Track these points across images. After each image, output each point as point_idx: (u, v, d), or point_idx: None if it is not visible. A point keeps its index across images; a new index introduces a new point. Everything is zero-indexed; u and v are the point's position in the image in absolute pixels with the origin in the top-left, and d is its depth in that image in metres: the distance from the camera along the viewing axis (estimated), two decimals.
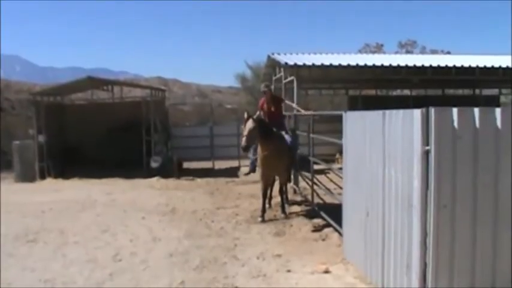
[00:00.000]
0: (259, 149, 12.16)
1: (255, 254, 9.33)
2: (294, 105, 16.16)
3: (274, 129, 12.42)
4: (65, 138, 24.44)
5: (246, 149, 11.71)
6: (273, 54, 20.56)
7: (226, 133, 23.88)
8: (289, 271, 8.27)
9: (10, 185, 21.94)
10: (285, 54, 20.68)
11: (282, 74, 19.20)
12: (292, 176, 15.03)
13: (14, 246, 10.70)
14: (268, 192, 12.90)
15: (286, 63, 17.62)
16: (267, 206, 12.69)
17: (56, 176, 22.32)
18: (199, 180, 19.64)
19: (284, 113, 17.25)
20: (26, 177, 22.65)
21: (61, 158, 23.29)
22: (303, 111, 15.33)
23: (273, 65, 21.61)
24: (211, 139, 23.93)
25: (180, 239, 10.56)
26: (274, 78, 21.82)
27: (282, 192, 12.85)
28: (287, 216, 12.24)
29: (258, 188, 14.08)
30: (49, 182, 21.76)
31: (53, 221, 12.95)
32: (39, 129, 23.17)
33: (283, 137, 12.65)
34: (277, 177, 13.18)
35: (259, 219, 11.90)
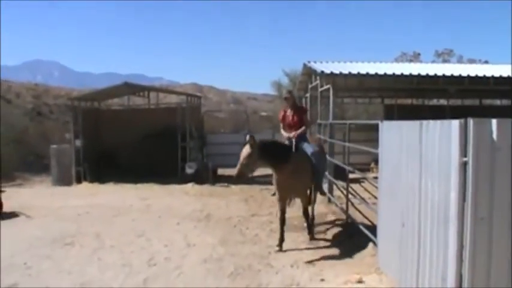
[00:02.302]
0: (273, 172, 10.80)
1: (288, 263, 9.32)
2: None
3: (292, 144, 10.78)
4: (101, 143, 24.66)
5: (239, 178, 9.91)
6: (309, 62, 20.58)
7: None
8: (322, 280, 8.24)
9: (47, 189, 22.28)
10: (321, 62, 20.70)
11: (318, 82, 19.19)
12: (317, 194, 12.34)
13: (51, 249, 10.87)
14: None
15: (322, 72, 17.61)
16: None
17: (91, 181, 22.58)
18: (233, 187, 19.66)
19: (319, 121, 17.24)
20: (63, 181, 22.97)
21: (97, 162, 23.53)
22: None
23: (308, 73, 21.63)
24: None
25: (214, 246, 10.61)
26: (310, 86, 21.83)
27: (307, 215, 11.23)
28: (313, 238, 11.15)
29: None
30: (85, 186, 22.02)
31: (89, 224, 13.11)
32: (76, 133, 23.50)
33: (303, 154, 10.81)
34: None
35: (277, 248, 10.29)
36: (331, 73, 17.22)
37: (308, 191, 11.57)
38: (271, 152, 10.09)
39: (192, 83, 55.87)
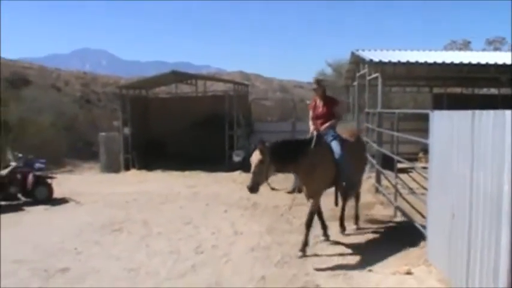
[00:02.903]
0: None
1: (335, 252, 9.27)
2: None
3: (310, 138, 9.72)
4: (149, 131, 24.91)
5: (253, 190, 8.82)
6: (357, 50, 20.39)
7: (307, 129, 23.72)
8: (370, 271, 8.16)
9: (96, 175, 22.62)
10: (369, 50, 20.47)
11: (366, 70, 18.99)
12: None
13: (100, 235, 11.04)
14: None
15: (370, 60, 17.41)
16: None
17: (139, 168, 22.81)
18: (280, 175, 19.62)
19: (367, 110, 17.03)
20: (111, 168, 23.28)
21: (145, 150, 23.76)
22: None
23: (356, 61, 21.43)
24: (293, 134, 23.83)
25: (261, 234, 10.61)
26: (357, 74, 21.64)
27: (310, 219, 9.55)
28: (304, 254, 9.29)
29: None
30: (133, 173, 22.27)
31: (137, 211, 13.26)
32: (124, 121, 23.76)
33: (324, 149, 9.66)
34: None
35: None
36: (380, 61, 17.02)
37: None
38: (284, 154, 9.13)
39: (239, 71, 55.89)
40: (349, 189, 10.35)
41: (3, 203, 14.91)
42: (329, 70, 39.27)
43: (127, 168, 23.27)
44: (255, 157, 8.94)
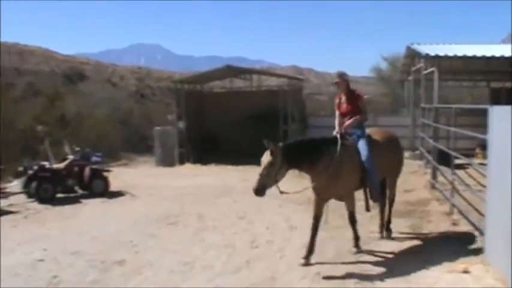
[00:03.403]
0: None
1: (390, 249, 9.11)
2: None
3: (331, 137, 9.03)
4: (203, 125, 25.02)
5: (258, 193, 8.27)
6: (412, 44, 20.10)
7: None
8: (426, 269, 8.00)
9: (151, 169, 22.83)
10: (425, 44, 20.16)
11: (422, 64, 18.70)
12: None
13: (155, 228, 11.13)
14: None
15: (426, 54, 17.15)
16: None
17: (194, 162, 22.94)
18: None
19: (423, 105, 16.73)
20: (166, 161, 23.45)
21: (199, 144, 23.87)
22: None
23: (411, 55, 21.15)
24: None
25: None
26: (413, 69, 21.35)
27: (353, 221, 9.09)
28: (359, 249, 9.01)
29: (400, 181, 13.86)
30: (187, 167, 22.40)
31: (192, 205, 13.32)
32: (179, 115, 23.92)
33: (348, 148, 8.88)
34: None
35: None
36: (436, 55, 16.76)
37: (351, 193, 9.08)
38: (299, 155, 8.47)
39: (292, 66, 55.92)
40: (374, 198, 9.21)
41: (60, 195, 15.19)
42: (384, 64, 38.85)
43: (181, 162, 23.40)
44: (265, 158, 8.44)
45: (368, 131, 9.50)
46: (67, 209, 13.75)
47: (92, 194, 15.33)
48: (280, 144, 8.46)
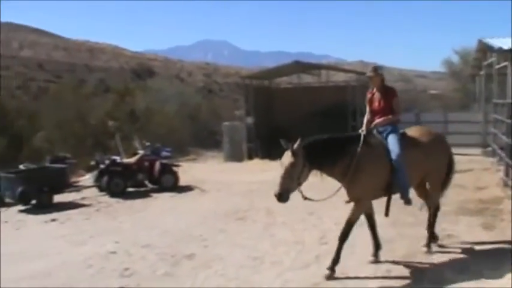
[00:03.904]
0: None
1: (462, 248, 8.90)
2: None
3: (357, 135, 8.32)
4: (271, 121, 25.01)
5: (281, 198, 7.77)
6: (484, 38, 19.60)
7: (432, 120, 23.10)
8: (498, 269, 7.75)
9: (219, 164, 23.00)
10: (498, 38, 19.62)
11: (494, 59, 18.21)
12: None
13: (224, 223, 11.18)
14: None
15: (500, 48, 16.67)
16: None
17: (262, 157, 22.93)
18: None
19: (496, 100, 16.27)
20: (234, 157, 23.58)
21: (267, 139, 23.89)
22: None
23: (483, 49, 20.60)
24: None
25: (384, 226, 10.33)
26: (484, 63, 20.84)
27: (371, 223, 8.70)
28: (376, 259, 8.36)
29: (465, 178, 13.56)
30: (256, 162, 22.43)
31: (261, 200, 13.29)
32: (247, 111, 23.99)
33: (378, 150, 8.15)
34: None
35: (327, 271, 7.75)
36: (510, 49, 16.26)
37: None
38: (321, 154, 7.85)
39: (359, 61, 55.45)
40: (405, 200, 8.35)
41: (131, 189, 15.46)
42: (456, 58, 38.08)
43: (250, 157, 23.49)
44: (285, 159, 7.70)
45: (407, 130, 8.77)
46: (137, 202, 13.99)
47: (162, 189, 15.57)
48: (300, 142, 7.78)
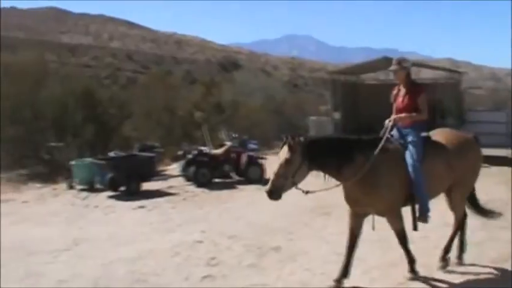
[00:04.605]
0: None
1: None
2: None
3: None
4: (357, 117, 24.78)
5: (272, 195, 7.00)
6: None
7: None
8: None
9: None
10: None
11: None
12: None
13: (309, 217, 11.21)
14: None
15: None
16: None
17: None
18: (493, 168, 18.65)
19: None
20: None
21: (354, 135, 23.70)
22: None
23: None
24: (507, 126, 22.60)
25: (473, 229, 10.11)
26: None
27: (403, 241, 7.71)
28: (413, 276, 7.60)
29: None
30: None
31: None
32: (334, 106, 23.85)
33: (393, 156, 7.32)
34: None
35: (333, 284, 7.33)
36: None
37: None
38: (323, 155, 7.03)
39: (448, 58, 54.39)
40: (421, 213, 7.51)
41: (217, 180, 15.67)
42: None
43: None
44: (282, 154, 6.84)
45: (432, 133, 8.02)
46: (223, 193, 14.20)
47: (248, 181, 15.74)
48: (301, 138, 6.98)
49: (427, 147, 7.45)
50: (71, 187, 15.70)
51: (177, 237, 9.85)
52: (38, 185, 17.31)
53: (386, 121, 7.71)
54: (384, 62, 23.27)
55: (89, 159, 15.89)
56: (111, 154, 17.29)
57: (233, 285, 7.43)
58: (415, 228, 7.51)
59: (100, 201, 13.90)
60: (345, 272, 7.41)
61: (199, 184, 15.21)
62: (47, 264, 8.58)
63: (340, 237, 9.48)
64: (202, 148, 16.30)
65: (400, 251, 8.34)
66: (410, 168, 7.18)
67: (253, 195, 14.04)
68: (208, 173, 15.49)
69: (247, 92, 32.21)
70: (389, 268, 8.01)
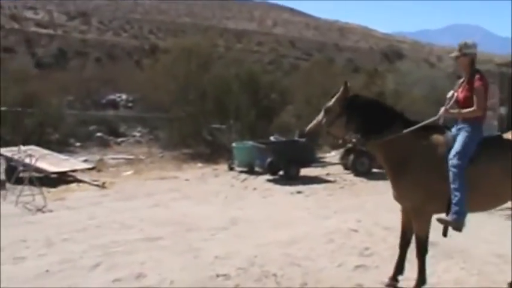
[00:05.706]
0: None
1: None
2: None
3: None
4: None
5: (305, 137, 7.21)
6: None
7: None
8: None
9: None
10: None
11: None
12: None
13: (471, 215, 10.80)
14: None
15: None
16: None
17: None
18: None
19: None
20: None
21: None
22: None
23: None
24: None
25: None
26: None
27: (420, 251, 6.67)
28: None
29: None
30: None
31: None
32: (501, 100, 22.88)
33: (433, 144, 6.42)
34: None
35: (387, 280, 6.98)
36: None
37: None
38: (361, 113, 6.50)
39: None
40: (453, 211, 6.25)
41: (375, 170, 15.47)
42: None
43: None
44: (328, 103, 6.62)
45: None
46: (380, 184, 14.05)
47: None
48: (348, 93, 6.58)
49: (487, 146, 6.31)
50: (231, 168, 16.25)
51: (332, 224, 9.94)
52: (200, 165, 18.08)
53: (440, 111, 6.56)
54: None
55: (249, 143, 16.33)
56: (272, 138, 17.66)
57: (385, 277, 7.13)
58: (444, 234, 6.58)
59: (259, 183, 14.29)
60: (398, 269, 7.01)
61: (358, 173, 15.19)
62: (205, 241, 8.99)
63: (501, 237, 9.10)
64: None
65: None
66: (451, 152, 6.18)
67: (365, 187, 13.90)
68: (368, 163, 15.39)
69: (410, 82, 31.59)
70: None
